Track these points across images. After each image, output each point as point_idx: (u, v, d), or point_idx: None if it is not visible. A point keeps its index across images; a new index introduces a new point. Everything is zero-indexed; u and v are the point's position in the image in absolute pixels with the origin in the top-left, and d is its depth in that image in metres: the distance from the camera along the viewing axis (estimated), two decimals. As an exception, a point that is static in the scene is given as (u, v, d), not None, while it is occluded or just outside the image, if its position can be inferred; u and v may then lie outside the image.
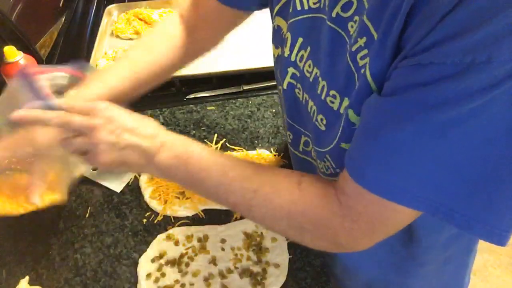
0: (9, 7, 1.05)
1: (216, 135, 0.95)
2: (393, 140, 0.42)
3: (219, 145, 0.93)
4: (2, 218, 0.84)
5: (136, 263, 0.76)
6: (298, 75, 0.59)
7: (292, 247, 0.77)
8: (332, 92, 0.52)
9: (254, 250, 0.76)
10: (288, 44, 0.59)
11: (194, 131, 0.97)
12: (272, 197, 0.52)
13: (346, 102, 0.50)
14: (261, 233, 0.78)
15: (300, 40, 0.57)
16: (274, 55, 0.67)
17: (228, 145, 0.93)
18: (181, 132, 0.97)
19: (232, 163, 0.55)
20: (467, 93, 0.37)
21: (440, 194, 0.41)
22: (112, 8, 1.32)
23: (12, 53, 0.87)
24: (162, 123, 0.98)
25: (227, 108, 1.02)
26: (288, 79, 0.61)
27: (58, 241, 0.80)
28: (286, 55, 0.60)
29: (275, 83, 1.09)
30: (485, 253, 1.80)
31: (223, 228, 0.80)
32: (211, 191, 0.56)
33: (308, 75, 0.57)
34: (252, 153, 0.91)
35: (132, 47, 0.75)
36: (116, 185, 0.88)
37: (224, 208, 0.83)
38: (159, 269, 0.74)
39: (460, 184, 0.41)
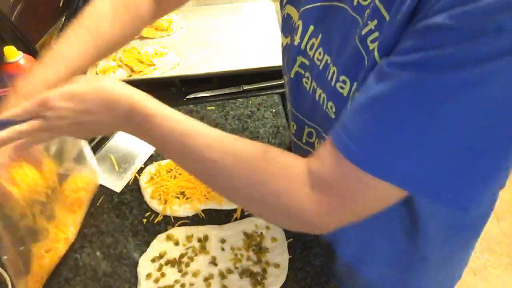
0: (9, 7, 1.05)
1: (216, 135, 0.95)
2: (383, 107, 0.41)
3: (219, 145, 0.93)
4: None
5: (136, 263, 0.76)
6: (307, 64, 0.59)
7: (292, 247, 0.77)
8: (342, 78, 0.52)
9: (254, 250, 0.76)
10: (299, 32, 0.58)
11: (194, 131, 0.97)
12: (233, 167, 0.50)
13: (355, 86, 0.50)
14: (261, 233, 0.78)
15: (312, 28, 0.57)
16: (282, 44, 0.67)
17: (228, 145, 0.93)
18: (181, 132, 0.97)
19: (194, 130, 0.53)
20: (472, 59, 0.36)
21: (423, 171, 0.41)
22: (112, 8, 1.32)
23: (12, 53, 0.87)
24: (162, 123, 0.98)
25: (227, 108, 1.02)
26: (296, 68, 0.61)
27: (58, 241, 0.80)
28: (296, 43, 0.60)
29: (275, 83, 1.10)
30: (485, 253, 1.80)
31: (223, 228, 0.80)
32: (174, 158, 0.55)
33: (318, 63, 0.57)
34: (252, 153, 0.91)
35: (88, 13, 0.69)
36: (116, 185, 0.88)
37: (224, 208, 0.83)
38: (159, 269, 0.74)
39: (447, 159, 0.40)
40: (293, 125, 0.69)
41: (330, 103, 0.55)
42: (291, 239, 0.78)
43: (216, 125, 0.98)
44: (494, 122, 0.39)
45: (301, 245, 0.78)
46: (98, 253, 0.78)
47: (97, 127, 0.55)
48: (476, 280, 1.73)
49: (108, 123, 0.54)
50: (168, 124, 0.52)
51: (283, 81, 1.09)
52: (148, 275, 0.74)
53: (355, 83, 0.50)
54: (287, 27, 0.64)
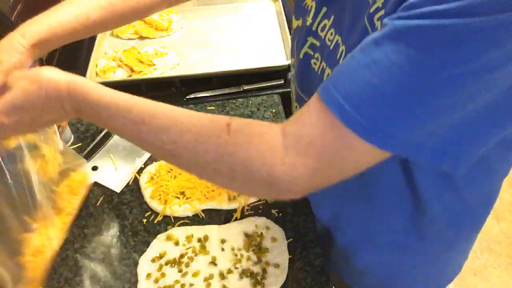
0: (9, 7, 1.05)
1: (216, 135, 0.95)
2: (374, 62, 0.41)
3: (219, 145, 0.93)
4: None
5: (136, 263, 0.76)
6: (318, 44, 0.60)
7: (292, 247, 0.78)
8: None
9: (254, 250, 0.76)
10: (312, 13, 0.60)
11: (194, 131, 0.97)
12: (195, 144, 0.49)
13: None
14: (261, 233, 0.78)
15: (324, 9, 0.58)
16: (293, 27, 0.68)
17: (228, 145, 0.93)
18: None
19: (145, 116, 0.50)
20: (478, 13, 0.36)
21: (414, 132, 0.42)
22: (112, 8, 1.32)
23: (12, 53, 0.87)
24: (162, 123, 0.98)
25: (227, 108, 1.02)
26: (305, 48, 0.62)
27: (58, 241, 0.80)
28: (308, 23, 0.61)
29: (275, 83, 1.10)
30: (485, 253, 1.80)
31: (223, 228, 0.80)
32: (139, 146, 0.54)
33: (329, 43, 0.57)
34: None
35: None
36: (116, 185, 0.88)
37: (224, 208, 0.83)
38: (159, 269, 0.74)
39: (436, 119, 0.41)
40: (296, 107, 0.70)
41: None
42: (291, 239, 0.78)
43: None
44: (486, 83, 0.39)
45: (301, 245, 0.78)
46: (98, 253, 0.78)
47: (56, 121, 0.56)
48: (476, 280, 1.73)
49: (64, 116, 0.53)
50: (119, 114, 0.51)
51: (283, 81, 1.10)
52: (148, 275, 0.74)
53: None
54: (299, 9, 0.65)
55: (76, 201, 0.81)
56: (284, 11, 1.23)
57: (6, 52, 0.57)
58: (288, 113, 1.01)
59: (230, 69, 1.09)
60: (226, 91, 1.09)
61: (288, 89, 1.08)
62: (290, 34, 1.14)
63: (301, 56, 0.64)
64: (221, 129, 0.48)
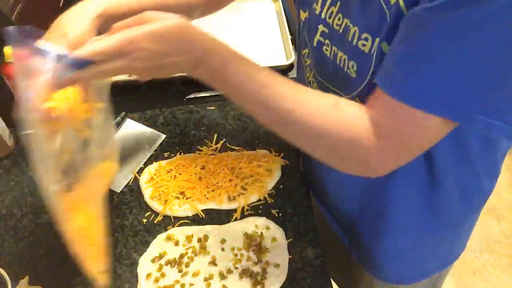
0: (9, 7, 1.05)
1: (216, 135, 0.95)
2: (421, 46, 0.47)
3: (219, 145, 0.93)
4: (2, 218, 0.84)
5: (136, 263, 0.76)
6: (327, 31, 0.63)
7: (292, 247, 0.78)
8: (364, 35, 0.56)
9: (254, 250, 0.76)
10: (320, 2, 0.63)
11: (194, 131, 0.97)
12: (308, 118, 0.54)
13: (377, 41, 0.54)
14: (261, 233, 0.78)
15: None
16: (301, 20, 0.70)
17: (228, 145, 0.93)
18: (181, 132, 0.97)
19: (268, 80, 0.55)
20: None
21: (463, 99, 0.47)
22: (112, 8, 1.32)
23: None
24: (162, 123, 0.98)
25: (227, 108, 1.02)
26: (318, 36, 0.65)
27: (58, 241, 0.80)
28: (317, 12, 0.63)
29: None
30: (485, 253, 1.80)
31: (223, 228, 0.80)
32: (248, 107, 0.58)
33: (337, 28, 0.61)
34: (252, 153, 0.91)
35: None
36: (116, 185, 0.88)
37: (224, 208, 0.83)
38: (159, 269, 0.74)
39: (480, 88, 0.47)
40: None
41: (351, 63, 0.59)
42: (291, 239, 0.78)
43: (216, 125, 0.98)
44: None
45: (301, 245, 0.78)
46: (98, 253, 0.78)
47: (172, 69, 0.55)
48: (476, 280, 1.73)
49: (183, 66, 0.54)
50: (245, 71, 0.54)
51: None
52: (148, 275, 0.74)
53: (377, 39, 0.54)
54: (304, 1, 0.68)
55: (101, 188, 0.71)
56: (284, 11, 1.23)
57: (73, 24, 0.57)
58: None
59: (230, 69, 1.09)
60: (226, 91, 1.09)
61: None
62: (290, 34, 1.14)
63: (314, 44, 0.66)
64: (331, 107, 0.55)
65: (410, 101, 0.49)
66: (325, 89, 0.69)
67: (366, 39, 0.56)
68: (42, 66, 0.50)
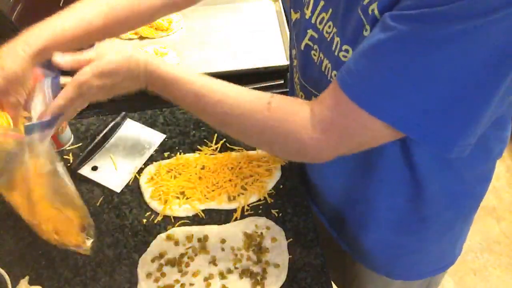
0: (9, 7, 1.06)
1: (216, 135, 0.95)
2: (377, 50, 0.48)
3: (219, 145, 0.93)
4: (2, 218, 0.84)
5: (136, 263, 0.76)
6: (317, 36, 0.63)
7: (292, 247, 0.78)
8: (344, 47, 0.57)
9: (254, 250, 0.76)
10: (310, 7, 0.63)
11: (194, 131, 0.97)
12: (242, 119, 0.59)
13: None
14: (261, 233, 0.78)
15: (322, 3, 0.61)
16: (292, 20, 0.71)
17: (228, 145, 0.93)
18: (181, 132, 0.97)
19: (206, 89, 0.61)
20: (466, 15, 0.42)
21: (414, 112, 0.48)
22: (112, 8, 1.32)
23: (12, 53, 0.87)
24: (162, 123, 0.98)
25: (227, 108, 1.02)
26: (306, 40, 0.65)
27: (58, 241, 0.80)
28: (307, 17, 0.64)
29: (275, 83, 1.10)
30: (485, 253, 1.80)
31: (223, 228, 0.80)
32: (194, 114, 0.65)
33: (327, 35, 0.61)
34: (252, 153, 0.91)
35: None
36: (116, 185, 0.88)
37: (224, 208, 0.83)
38: (159, 269, 0.74)
39: (435, 103, 0.47)
40: (301, 96, 0.73)
41: (334, 72, 0.60)
42: (291, 239, 0.78)
43: (216, 125, 0.98)
44: (479, 73, 0.45)
45: (301, 245, 0.78)
46: (98, 253, 0.78)
47: (127, 90, 0.63)
48: (476, 280, 1.73)
49: (134, 87, 0.63)
50: (184, 88, 0.61)
51: (283, 81, 1.10)
52: (148, 275, 0.74)
53: None
54: (297, 2, 0.68)
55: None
56: (284, 11, 1.23)
57: (10, 58, 0.60)
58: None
59: (230, 69, 1.08)
60: (226, 91, 1.09)
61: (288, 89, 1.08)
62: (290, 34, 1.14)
63: (302, 48, 0.66)
64: (262, 108, 0.58)
65: (359, 100, 0.50)
66: (309, 94, 0.69)
67: (346, 50, 0.56)
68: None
